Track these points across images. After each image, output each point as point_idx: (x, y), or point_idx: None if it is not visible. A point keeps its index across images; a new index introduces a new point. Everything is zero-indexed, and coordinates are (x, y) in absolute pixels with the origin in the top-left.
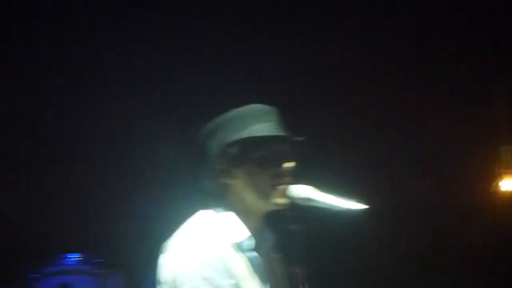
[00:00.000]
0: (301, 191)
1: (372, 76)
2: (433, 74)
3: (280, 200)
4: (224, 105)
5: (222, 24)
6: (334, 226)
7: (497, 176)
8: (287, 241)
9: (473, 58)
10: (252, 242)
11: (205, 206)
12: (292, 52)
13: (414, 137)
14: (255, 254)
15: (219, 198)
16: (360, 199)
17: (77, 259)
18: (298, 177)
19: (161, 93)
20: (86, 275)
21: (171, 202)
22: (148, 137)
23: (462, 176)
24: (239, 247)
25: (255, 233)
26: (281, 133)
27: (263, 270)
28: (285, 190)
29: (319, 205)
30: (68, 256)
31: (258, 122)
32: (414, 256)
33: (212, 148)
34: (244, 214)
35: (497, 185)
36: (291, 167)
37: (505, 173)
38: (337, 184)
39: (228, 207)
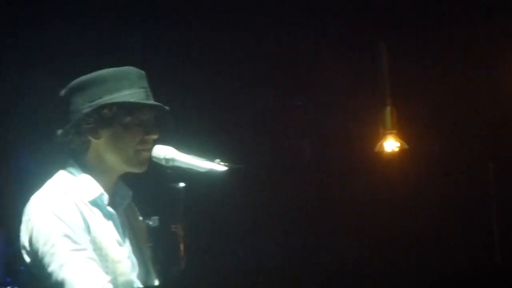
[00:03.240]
0: (164, 151)
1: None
2: (317, 33)
3: (141, 165)
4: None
5: None
6: (210, 187)
7: (380, 137)
8: (167, 200)
9: (357, 19)
10: (106, 198)
11: (65, 164)
12: None
13: (293, 93)
14: (111, 210)
15: (79, 155)
16: (237, 159)
17: None
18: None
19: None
20: None
21: (51, 159)
22: (32, 92)
23: (345, 135)
24: (94, 203)
25: (112, 191)
26: (153, 102)
27: (120, 226)
28: (146, 156)
29: (182, 165)
30: None
31: (131, 87)
32: (291, 218)
33: (79, 105)
34: (101, 172)
35: (381, 146)
36: (157, 136)
37: (389, 133)
38: (211, 145)
39: (86, 165)
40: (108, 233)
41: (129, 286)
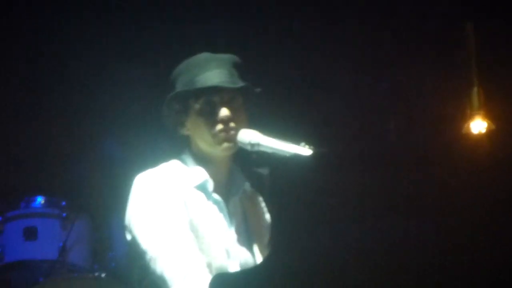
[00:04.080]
0: (249, 135)
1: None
2: (402, 14)
3: (221, 148)
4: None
5: None
6: (295, 171)
7: (467, 118)
8: (253, 185)
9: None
10: (210, 185)
11: (179, 154)
12: None
13: (379, 75)
14: (217, 197)
15: (189, 146)
16: (323, 142)
17: (42, 202)
18: (258, 124)
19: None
20: (52, 218)
21: (137, 146)
22: (119, 81)
23: (432, 117)
24: (200, 189)
25: (225, 179)
26: (215, 83)
27: (228, 214)
28: (224, 137)
29: (267, 150)
30: (33, 199)
31: (200, 73)
32: (375, 203)
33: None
34: (207, 161)
35: (468, 127)
36: (225, 115)
37: (476, 114)
38: (297, 128)
39: (195, 155)
40: (209, 217)
41: (223, 270)
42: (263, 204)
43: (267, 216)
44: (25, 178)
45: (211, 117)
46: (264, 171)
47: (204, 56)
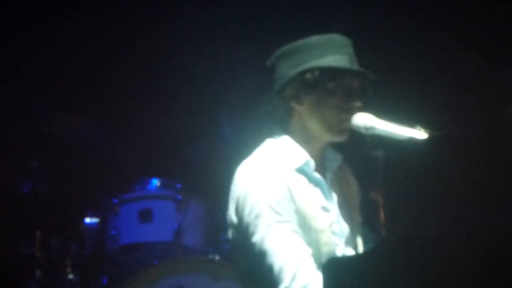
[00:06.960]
0: (364, 119)
1: None
2: None
3: (342, 134)
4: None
5: None
6: (410, 155)
7: None
8: (367, 168)
9: None
10: (312, 164)
11: (271, 133)
12: None
13: (504, 59)
14: (318, 176)
15: (284, 123)
16: (438, 126)
17: (157, 184)
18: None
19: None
20: (167, 200)
21: (251, 128)
22: (226, 63)
23: None
24: (301, 170)
25: (319, 157)
26: (357, 68)
27: (327, 191)
28: (348, 125)
29: (381, 133)
30: (148, 182)
31: (336, 53)
32: (491, 187)
33: (283, 72)
34: (306, 140)
35: None
36: (359, 104)
37: None
38: (412, 112)
39: (291, 133)
40: (314, 200)
41: (332, 254)
42: (353, 179)
43: (356, 191)
44: (140, 161)
45: (342, 101)
46: (379, 153)
47: (336, 37)
